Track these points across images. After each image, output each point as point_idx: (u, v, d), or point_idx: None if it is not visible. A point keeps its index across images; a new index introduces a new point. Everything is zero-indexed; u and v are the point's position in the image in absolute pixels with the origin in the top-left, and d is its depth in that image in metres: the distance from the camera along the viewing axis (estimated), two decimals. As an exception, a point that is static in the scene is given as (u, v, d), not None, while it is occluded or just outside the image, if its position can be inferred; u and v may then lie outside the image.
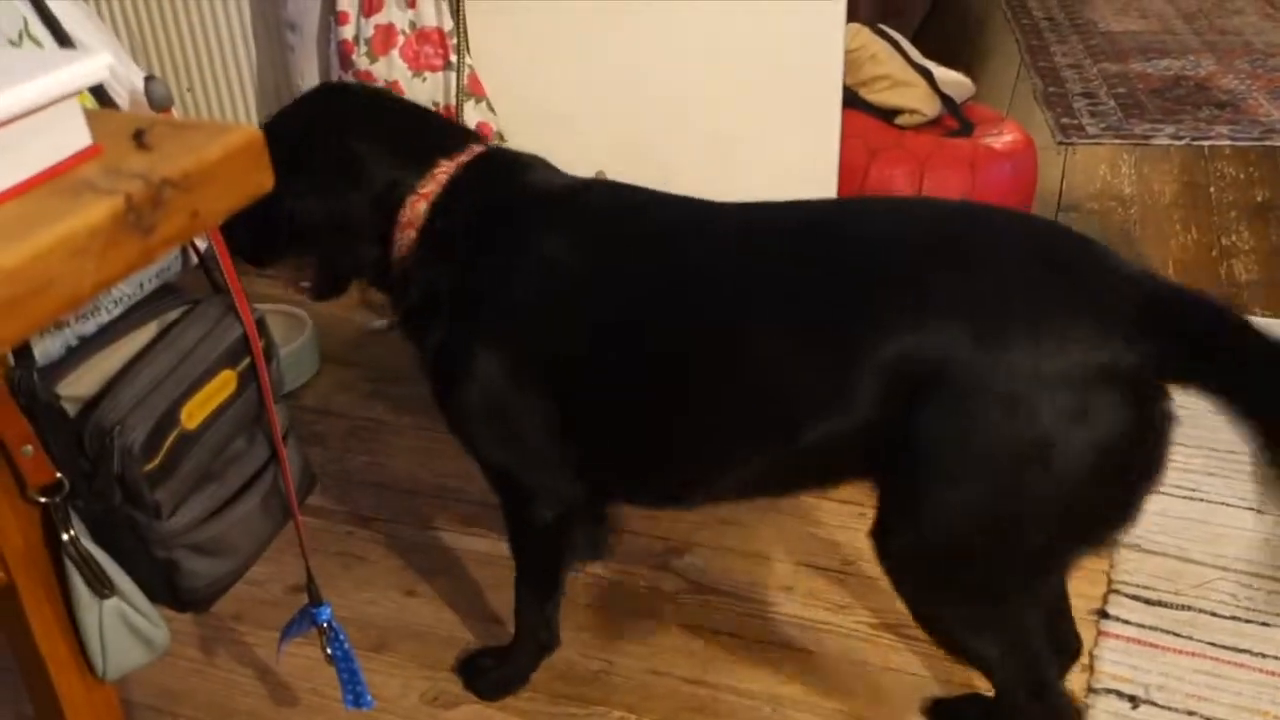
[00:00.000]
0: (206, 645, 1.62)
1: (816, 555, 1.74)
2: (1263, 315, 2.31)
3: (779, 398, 1.13)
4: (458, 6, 1.91)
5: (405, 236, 1.26)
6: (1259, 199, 2.81)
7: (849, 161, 2.41)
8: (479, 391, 1.25)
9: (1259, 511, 1.73)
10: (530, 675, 1.52)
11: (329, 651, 1.32)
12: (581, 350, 1.20)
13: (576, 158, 2.09)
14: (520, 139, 2.06)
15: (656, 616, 1.65)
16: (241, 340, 1.16)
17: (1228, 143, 3.11)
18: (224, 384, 1.13)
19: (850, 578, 1.69)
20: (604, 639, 1.61)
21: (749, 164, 2.24)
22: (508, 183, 1.30)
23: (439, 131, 1.33)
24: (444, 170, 1.27)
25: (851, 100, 2.54)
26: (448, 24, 1.95)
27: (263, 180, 0.79)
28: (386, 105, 1.38)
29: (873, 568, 1.66)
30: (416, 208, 1.26)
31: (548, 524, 1.36)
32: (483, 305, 1.25)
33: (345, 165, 1.26)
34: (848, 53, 2.54)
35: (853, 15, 2.55)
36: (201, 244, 1.22)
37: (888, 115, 2.60)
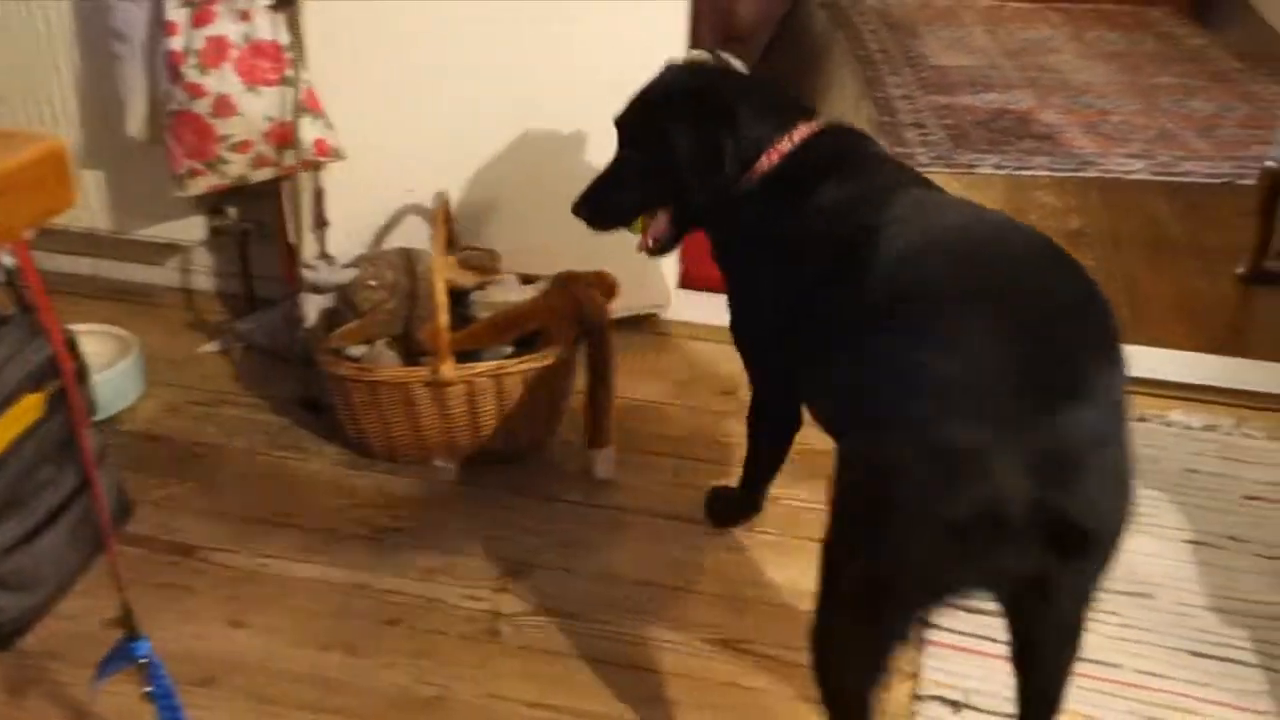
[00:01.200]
0: (15, 685, 1.53)
1: (659, 574, 1.76)
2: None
3: None
4: (294, 21, 1.87)
5: (753, 178, 1.54)
6: (1074, 226, 2.99)
7: (691, 185, 2.46)
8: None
9: None
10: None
11: (147, 689, 1.26)
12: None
13: (419, 175, 2.08)
14: (359, 157, 2.03)
15: (496, 639, 1.63)
16: (50, 362, 1.10)
17: (1046, 173, 3.29)
18: (28, 408, 1.07)
19: (691, 595, 1.71)
20: (439, 663, 1.59)
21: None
22: (850, 148, 1.54)
23: (795, 103, 1.61)
24: (800, 132, 1.53)
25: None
26: (284, 38, 1.90)
27: (65, 195, 0.75)
28: (753, 80, 1.69)
29: (713, 584, 1.69)
30: (772, 158, 1.53)
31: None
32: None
33: (729, 119, 1.54)
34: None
35: (695, 42, 2.61)
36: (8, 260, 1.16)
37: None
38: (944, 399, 1.04)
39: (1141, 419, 2.12)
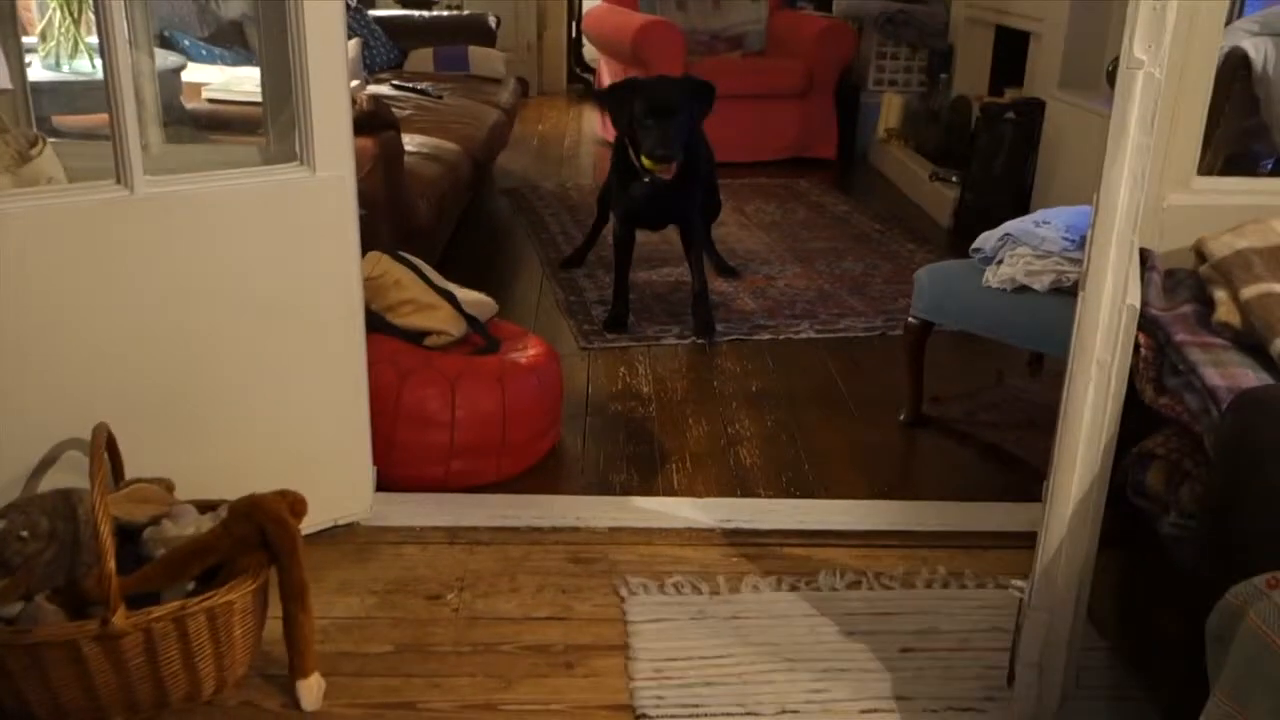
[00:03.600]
0: None
1: None
2: (765, 495, 2.58)
3: None
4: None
5: None
6: (754, 389, 3.18)
7: (380, 385, 2.43)
8: None
9: (754, 714, 1.85)
10: None
11: None
12: None
13: (78, 410, 1.93)
14: (3, 396, 1.87)
15: None
16: None
17: (723, 339, 3.50)
18: None
19: None
20: None
21: (275, 399, 2.18)
22: None
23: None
24: None
25: (379, 325, 2.58)
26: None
27: None
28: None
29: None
30: None
31: None
32: None
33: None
34: (370, 280, 2.59)
35: (373, 242, 2.62)
36: None
37: (416, 337, 2.67)
38: None
39: (793, 587, 2.19)
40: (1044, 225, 2.68)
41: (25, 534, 1.74)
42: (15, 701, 1.76)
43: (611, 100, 3.49)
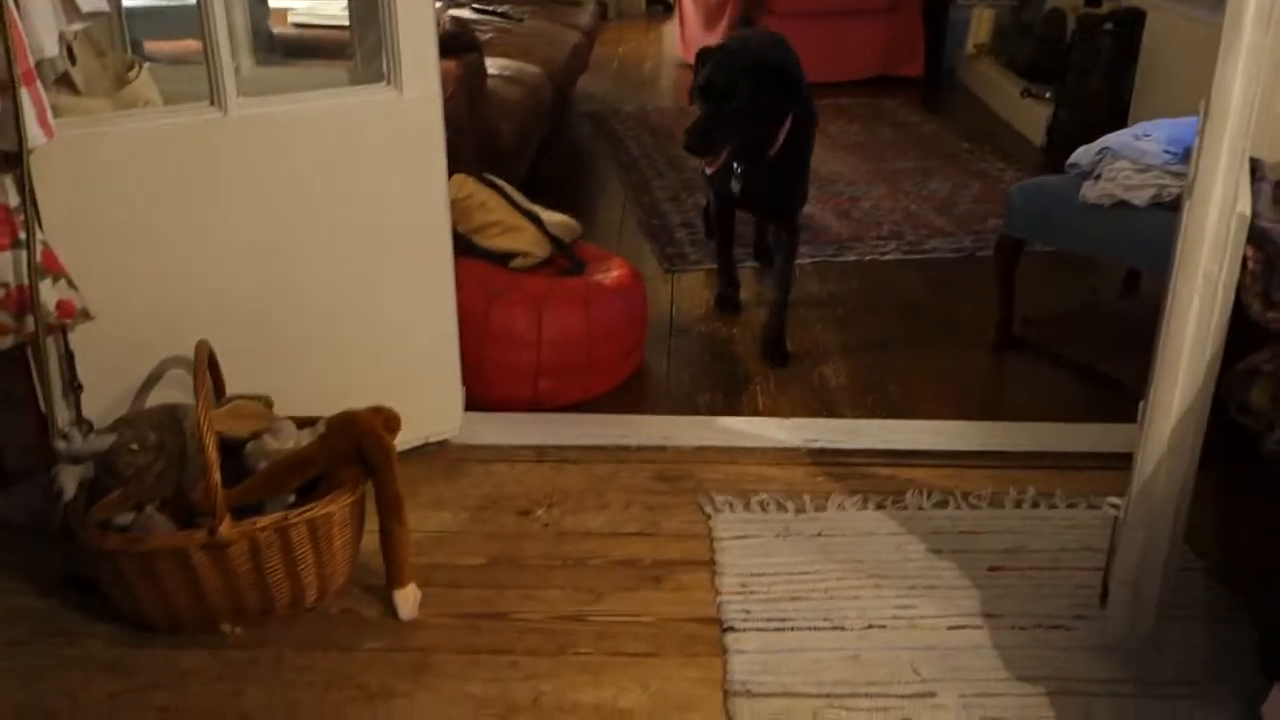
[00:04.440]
0: None
1: (467, 718, 1.69)
2: (850, 416, 2.56)
3: None
4: (22, 182, 1.77)
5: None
6: (839, 313, 3.14)
7: (469, 306, 2.46)
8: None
9: (840, 629, 1.87)
10: None
11: None
12: None
13: (180, 328, 1.99)
14: (110, 314, 1.93)
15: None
16: None
17: (808, 260, 3.46)
18: None
19: (505, 732, 1.66)
20: None
21: (366, 319, 2.22)
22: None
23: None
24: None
25: (466, 247, 2.60)
26: (13, 200, 1.80)
27: None
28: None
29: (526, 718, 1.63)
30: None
31: None
32: None
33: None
34: (456, 202, 2.60)
35: (458, 165, 2.63)
36: None
37: (502, 259, 2.69)
38: None
39: (879, 506, 2.19)
40: (1144, 138, 2.59)
41: (135, 447, 1.81)
42: (131, 605, 1.85)
43: (697, 65, 2.91)
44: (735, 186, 2.89)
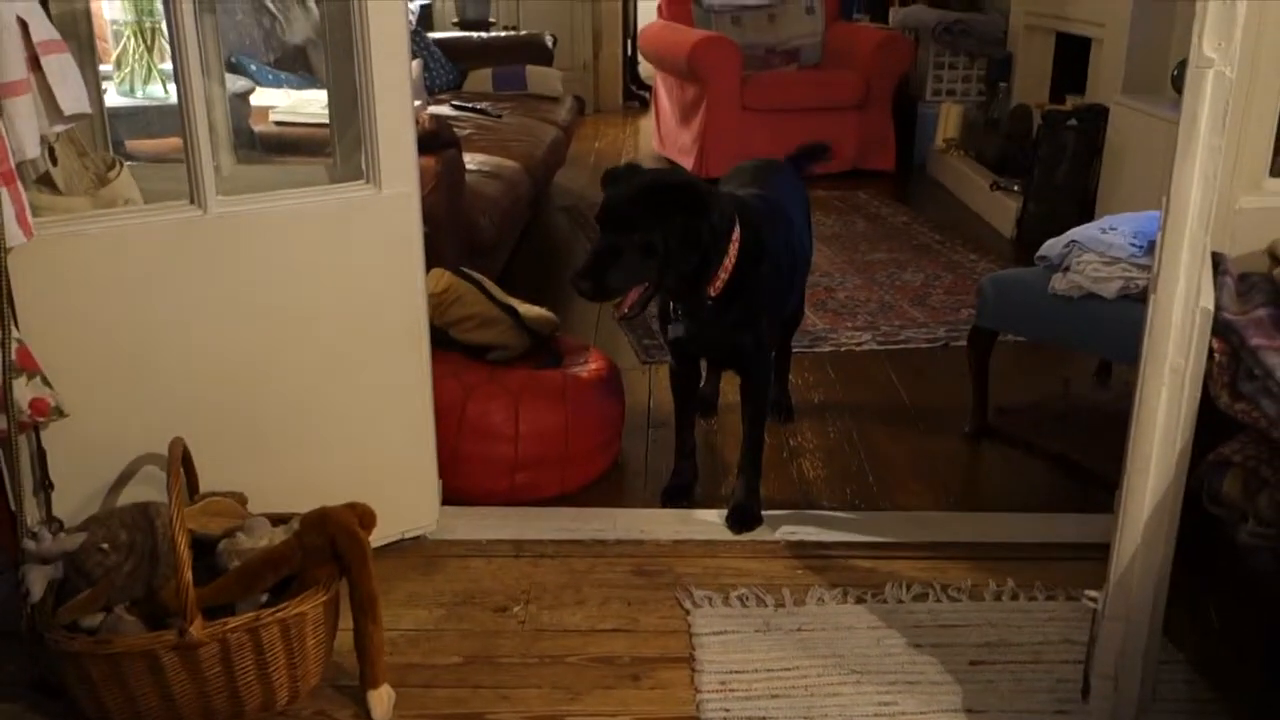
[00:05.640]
0: None
1: None
2: (828, 508, 2.56)
3: None
4: (2, 280, 1.78)
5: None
6: (816, 401, 3.16)
7: (445, 400, 2.46)
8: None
9: None
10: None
11: None
12: None
13: (154, 425, 1.98)
14: (83, 413, 1.92)
15: None
16: None
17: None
18: None
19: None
20: None
21: (343, 414, 2.22)
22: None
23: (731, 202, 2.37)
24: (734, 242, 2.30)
25: (442, 341, 2.61)
26: (-9, 297, 1.80)
27: None
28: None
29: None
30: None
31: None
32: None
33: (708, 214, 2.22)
34: (434, 296, 2.62)
35: (437, 259, 2.66)
36: None
37: (479, 352, 2.70)
38: None
39: (858, 600, 2.17)
40: (1111, 231, 2.64)
41: (106, 546, 1.78)
42: (96, 710, 1.81)
43: (603, 188, 2.35)
44: (678, 331, 2.43)
